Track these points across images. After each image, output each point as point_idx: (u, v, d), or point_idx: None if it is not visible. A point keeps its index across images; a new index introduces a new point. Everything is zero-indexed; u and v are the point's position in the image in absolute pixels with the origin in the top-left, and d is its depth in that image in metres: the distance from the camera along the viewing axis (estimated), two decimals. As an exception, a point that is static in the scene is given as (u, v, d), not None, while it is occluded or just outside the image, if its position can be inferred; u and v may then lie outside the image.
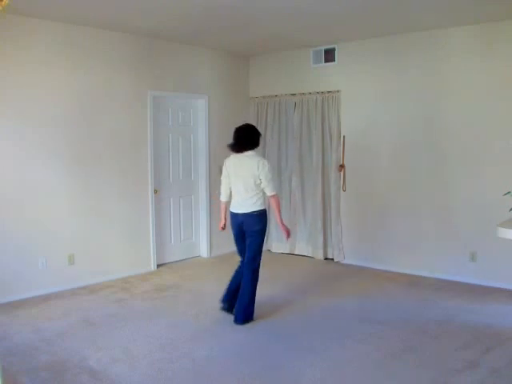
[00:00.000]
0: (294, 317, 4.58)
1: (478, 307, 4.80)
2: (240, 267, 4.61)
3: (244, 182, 4.35)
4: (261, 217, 4.37)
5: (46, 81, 5.17)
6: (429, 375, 3.41)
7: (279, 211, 4.46)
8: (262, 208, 4.37)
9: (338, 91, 6.46)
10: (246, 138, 4.43)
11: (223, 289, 5.44)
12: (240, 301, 4.40)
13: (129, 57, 5.86)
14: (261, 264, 4.49)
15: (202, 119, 6.81)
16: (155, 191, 6.24)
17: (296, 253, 7.03)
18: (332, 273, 6.13)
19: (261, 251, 4.45)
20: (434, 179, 5.76)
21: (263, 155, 7.19)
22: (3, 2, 2.43)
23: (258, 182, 4.32)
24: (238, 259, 6.76)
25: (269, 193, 4.35)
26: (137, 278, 5.87)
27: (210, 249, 6.92)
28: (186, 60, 6.51)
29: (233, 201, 4.47)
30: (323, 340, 4.02)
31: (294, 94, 6.87)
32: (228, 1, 4.54)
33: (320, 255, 6.74)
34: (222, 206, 4.65)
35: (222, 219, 4.67)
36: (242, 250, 4.55)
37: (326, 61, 6.57)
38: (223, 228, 4.70)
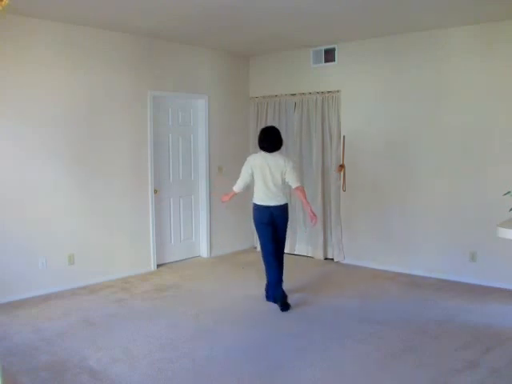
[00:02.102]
0: (293, 317, 4.58)
1: (478, 307, 4.80)
2: (274, 261, 4.95)
3: (274, 179, 4.80)
4: (287, 208, 4.96)
5: (46, 81, 5.17)
6: (429, 375, 3.41)
7: (306, 199, 4.92)
8: (287, 201, 4.96)
9: (338, 91, 6.46)
10: (277, 140, 4.91)
11: (223, 289, 5.45)
12: (281, 287, 4.83)
13: (129, 57, 5.87)
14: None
15: (202, 119, 6.81)
16: (155, 191, 6.24)
17: (296, 253, 7.03)
18: (332, 273, 6.13)
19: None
20: (434, 179, 5.76)
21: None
22: (3, 2, 2.43)
23: (284, 177, 4.81)
24: (237, 259, 6.79)
25: (294, 185, 4.83)
26: (137, 277, 5.87)
27: (209, 249, 6.91)
28: (186, 60, 6.51)
29: (260, 195, 4.86)
30: (323, 340, 4.02)
31: (294, 94, 6.87)
32: (228, 1, 4.54)
33: (320, 255, 6.74)
34: (233, 193, 5.06)
35: (230, 195, 5.08)
36: (272, 239, 4.91)
37: (326, 61, 6.57)
38: (226, 200, 5.16)
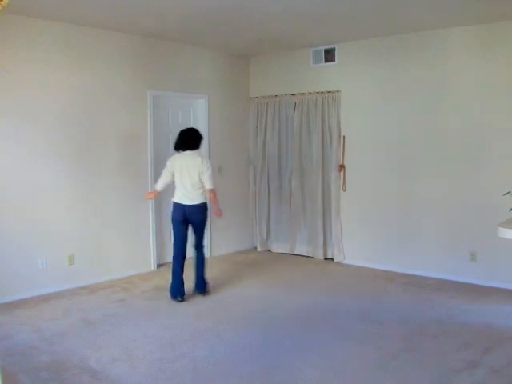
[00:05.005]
0: (293, 317, 4.58)
1: (478, 307, 4.80)
2: (178, 257, 5.12)
3: (191, 178, 4.98)
4: (204, 208, 5.10)
5: (46, 81, 5.17)
6: (429, 375, 3.41)
7: (215, 201, 5.13)
8: (204, 201, 5.08)
9: (338, 91, 6.46)
10: (193, 140, 5.09)
11: (222, 288, 5.46)
12: (199, 275, 5.17)
13: (129, 57, 5.87)
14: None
15: (202, 119, 6.81)
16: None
17: (296, 253, 7.03)
18: (332, 273, 6.13)
19: (204, 234, 5.23)
20: (434, 179, 5.76)
21: (263, 155, 7.22)
22: (3, 2, 2.43)
23: (201, 177, 4.98)
24: (236, 259, 6.81)
25: (208, 187, 5.01)
26: (137, 277, 5.87)
27: (209, 249, 6.91)
28: (186, 60, 6.51)
29: (178, 194, 5.05)
30: (323, 340, 4.02)
31: (294, 94, 6.87)
32: (228, 1, 4.54)
33: (320, 255, 6.74)
34: (155, 191, 5.28)
35: (152, 193, 5.34)
36: (181, 237, 5.09)
37: (326, 61, 6.57)
38: (150, 198, 5.47)
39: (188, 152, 5.04)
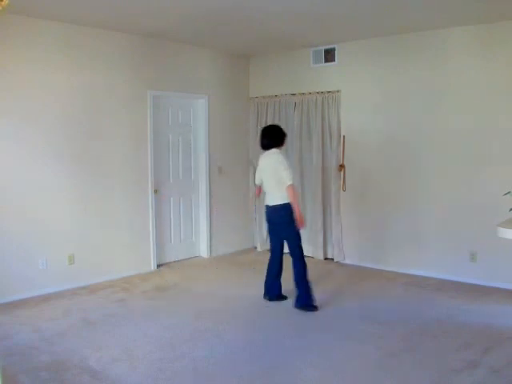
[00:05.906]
0: (293, 317, 4.58)
1: (478, 307, 4.80)
2: (271, 258, 5.10)
3: (268, 178, 4.81)
4: (284, 209, 4.72)
5: (46, 81, 5.17)
6: (429, 375, 3.41)
7: (295, 202, 4.70)
8: (285, 202, 4.71)
9: (338, 91, 6.46)
10: (270, 138, 4.86)
11: (223, 289, 5.46)
12: (298, 288, 4.82)
13: (129, 57, 5.86)
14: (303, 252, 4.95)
15: (202, 119, 6.81)
16: (155, 191, 6.24)
17: (296, 253, 7.03)
18: (332, 273, 6.13)
19: (297, 239, 4.84)
20: (434, 179, 5.76)
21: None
22: (3, 2, 2.44)
23: (279, 175, 4.69)
24: (236, 258, 6.80)
25: (285, 183, 4.66)
26: (137, 277, 5.87)
27: (209, 249, 6.92)
28: (186, 60, 6.51)
29: (265, 195, 4.95)
30: (323, 340, 4.02)
31: (294, 94, 6.87)
32: (228, 1, 4.54)
33: (320, 255, 6.74)
34: (256, 187, 5.13)
35: (257, 190, 5.14)
36: (272, 240, 5.07)
37: (326, 61, 6.57)
38: (258, 195, 5.22)
39: (272, 150, 4.81)
